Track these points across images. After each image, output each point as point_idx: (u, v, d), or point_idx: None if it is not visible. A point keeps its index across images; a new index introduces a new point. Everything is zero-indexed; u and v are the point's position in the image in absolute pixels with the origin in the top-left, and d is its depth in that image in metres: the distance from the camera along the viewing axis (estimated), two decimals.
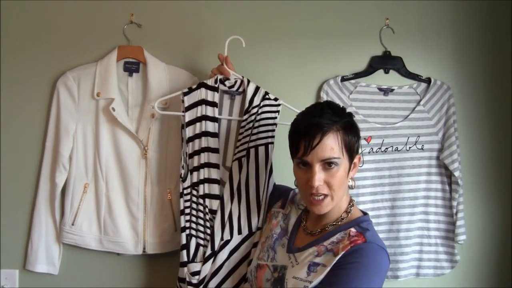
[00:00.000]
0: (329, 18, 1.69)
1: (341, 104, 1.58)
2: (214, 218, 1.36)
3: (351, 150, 1.12)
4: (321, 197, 1.10)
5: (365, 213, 1.18)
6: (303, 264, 1.10)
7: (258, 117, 1.42)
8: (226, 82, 1.46)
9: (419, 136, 1.64)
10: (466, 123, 1.70)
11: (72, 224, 1.51)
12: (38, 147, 1.57)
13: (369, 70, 1.68)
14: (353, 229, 1.10)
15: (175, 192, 1.53)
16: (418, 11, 1.71)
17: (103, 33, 1.61)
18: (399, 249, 1.61)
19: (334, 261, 1.04)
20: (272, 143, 1.41)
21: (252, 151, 1.39)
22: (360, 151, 1.59)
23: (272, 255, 1.20)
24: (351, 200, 1.19)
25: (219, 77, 1.45)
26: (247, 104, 1.44)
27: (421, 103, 1.65)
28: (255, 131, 1.40)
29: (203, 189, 1.38)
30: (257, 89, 1.46)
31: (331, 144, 1.08)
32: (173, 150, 1.54)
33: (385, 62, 1.68)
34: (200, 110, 1.42)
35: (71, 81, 1.53)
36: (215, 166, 1.40)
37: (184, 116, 1.42)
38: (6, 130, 1.58)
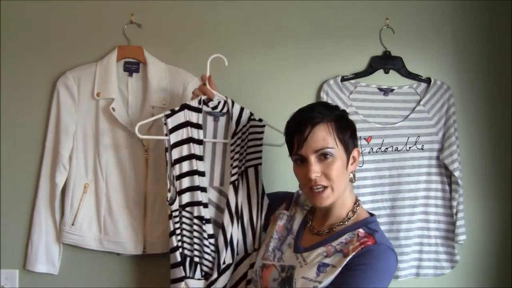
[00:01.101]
0: (329, 18, 1.69)
1: (341, 104, 1.59)
2: (210, 239, 1.34)
3: (346, 142, 1.12)
4: (320, 189, 1.10)
5: (371, 214, 1.18)
6: (312, 264, 1.10)
7: (246, 139, 1.39)
8: (209, 103, 1.42)
9: (419, 136, 1.64)
10: (466, 123, 1.70)
11: (72, 224, 1.51)
12: (38, 147, 1.57)
13: (369, 70, 1.68)
14: (361, 230, 1.10)
15: None
16: (417, 11, 1.71)
17: (103, 33, 1.61)
18: (399, 249, 1.61)
19: (345, 262, 1.05)
20: (260, 164, 1.38)
21: (244, 173, 1.37)
22: (361, 150, 1.61)
23: (279, 255, 1.20)
24: (356, 200, 1.19)
25: (203, 97, 1.41)
26: (234, 126, 1.42)
27: (421, 103, 1.65)
28: (244, 153, 1.38)
29: (196, 211, 1.36)
30: (241, 110, 1.43)
31: (323, 135, 1.10)
32: None
33: (385, 62, 1.68)
34: (186, 132, 1.38)
35: (71, 81, 1.53)
36: (203, 189, 1.37)
37: (168, 139, 1.37)
38: (6, 130, 1.58)
